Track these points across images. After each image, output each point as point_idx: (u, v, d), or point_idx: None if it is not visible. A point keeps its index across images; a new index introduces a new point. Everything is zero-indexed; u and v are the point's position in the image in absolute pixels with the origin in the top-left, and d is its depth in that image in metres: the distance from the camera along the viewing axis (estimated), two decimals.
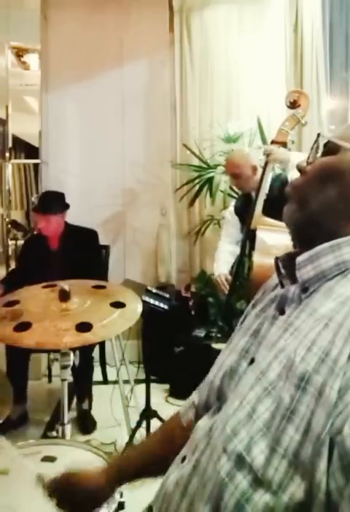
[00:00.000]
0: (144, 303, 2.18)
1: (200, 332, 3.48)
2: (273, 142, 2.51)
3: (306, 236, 0.70)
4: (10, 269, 3.45)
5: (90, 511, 0.92)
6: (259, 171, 2.59)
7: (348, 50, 3.96)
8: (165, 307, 2.66)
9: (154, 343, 3.07)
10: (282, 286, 0.70)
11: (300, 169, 0.72)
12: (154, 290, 2.82)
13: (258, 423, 0.57)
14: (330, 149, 0.70)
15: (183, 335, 3.49)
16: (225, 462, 0.59)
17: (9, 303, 1.69)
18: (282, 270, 0.70)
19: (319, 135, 0.73)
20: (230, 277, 2.77)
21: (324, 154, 0.71)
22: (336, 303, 0.59)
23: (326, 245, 0.64)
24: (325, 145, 0.71)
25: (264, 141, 3.53)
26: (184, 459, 0.71)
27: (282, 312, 0.68)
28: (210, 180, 3.72)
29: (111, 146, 4.01)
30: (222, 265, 2.87)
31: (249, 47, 3.93)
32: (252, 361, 0.67)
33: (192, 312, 3.71)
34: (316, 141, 0.72)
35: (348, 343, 0.53)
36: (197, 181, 3.78)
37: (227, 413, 0.63)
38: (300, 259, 0.66)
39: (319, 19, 3.87)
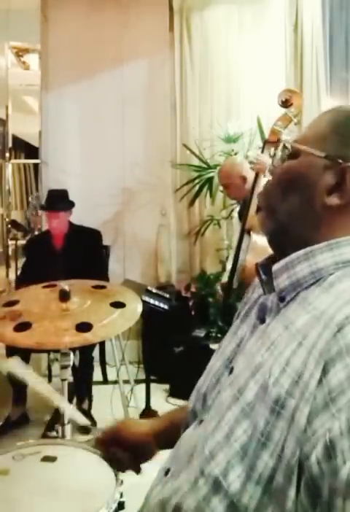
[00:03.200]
0: (144, 303, 2.18)
1: (200, 332, 3.48)
2: (266, 142, 2.54)
3: (279, 244, 0.69)
4: (19, 273, 3.43)
5: (137, 466, 0.93)
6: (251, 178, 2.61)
7: (348, 50, 3.96)
8: (165, 307, 2.67)
9: (154, 343, 3.07)
10: (264, 292, 0.69)
11: (271, 174, 0.72)
12: (154, 290, 2.82)
13: (235, 446, 0.56)
14: (292, 153, 0.69)
15: (183, 335, 3.49)
16: (203, 484, 0.58)
17: (9, 302, 1.69)
18: (263, 276, 0.69)
19: (279, 139, 0.73)
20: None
21: (288, 158, 0.69)
22: (311, 316, 0.57)
23: (300, 252, 0.63)
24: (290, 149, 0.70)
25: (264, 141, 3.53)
26: (167, 472, 0.70)
27: (263, 321, 0.66)
28: (210, 180, 3.73)
29: (111, 146, 4.00)
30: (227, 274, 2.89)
31: (249, 47, 3.93)
32: (232, 370, 0.66)
33: (192, 312, 3.71)
34: (278, 145, 0.71)
35: (319, 366, 0.52)
36: (197, 181, 3.79)
37: (207, 432, 0.62)
38: (275, 267, 0.65)
39: (319, 19, 3.87)
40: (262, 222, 0.71)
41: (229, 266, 2.91)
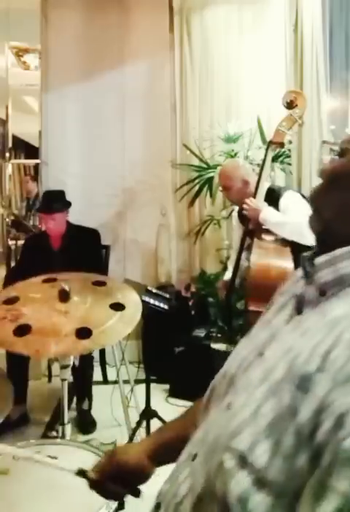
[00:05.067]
0: (144, 303, 2.18)
1: (200, 332, 3.48)
2: (270, 142, 2.53)
3: (326, 245, 0.68)
4: (11, 268, 3.43)
5: (136, 490, 0.93)
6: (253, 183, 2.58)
7: (348, 50, 3.96)
8: (165, 307, 2.66)
9: (154, 343, 3.07)
10: (306, 283, 0.69)
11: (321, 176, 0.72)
12: (154, 290, 2.81)
13: (262, 423, 0.57)
14: (341, 153, 0.69)
15: (183, 335, 3.49)
16: (228, 459, 0.59)
17: (8, 299, 1.69)
18: (308, 268, 0.68)
19: (323, 142, 0.73)
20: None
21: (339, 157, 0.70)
22: (349, 307, 0.58)
23: (345, 249, 0.62)
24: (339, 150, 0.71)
25: (264, 141, 3.53)
26: (195, 456, 0.70)
27: (300, 312, 0.67)
28: (210, 180, 3.73)
29: (111, 146, 4.00)
30: (229, 273, 2.87)
31: (249, 47, 3.94)
32: (261, 354, 0.66)
33: (192, 312, 3.71)
34: (321, 147, 0.72)
35: (347, 348, 0.53)
36: (197, 181, 3.79)
37: (234, 409, 0.63)
38: (318, 260, 0.65)
39: (319, 19, 3.87)
40: (311, 223, 0.71)
41: (231, 266, 2.90)
